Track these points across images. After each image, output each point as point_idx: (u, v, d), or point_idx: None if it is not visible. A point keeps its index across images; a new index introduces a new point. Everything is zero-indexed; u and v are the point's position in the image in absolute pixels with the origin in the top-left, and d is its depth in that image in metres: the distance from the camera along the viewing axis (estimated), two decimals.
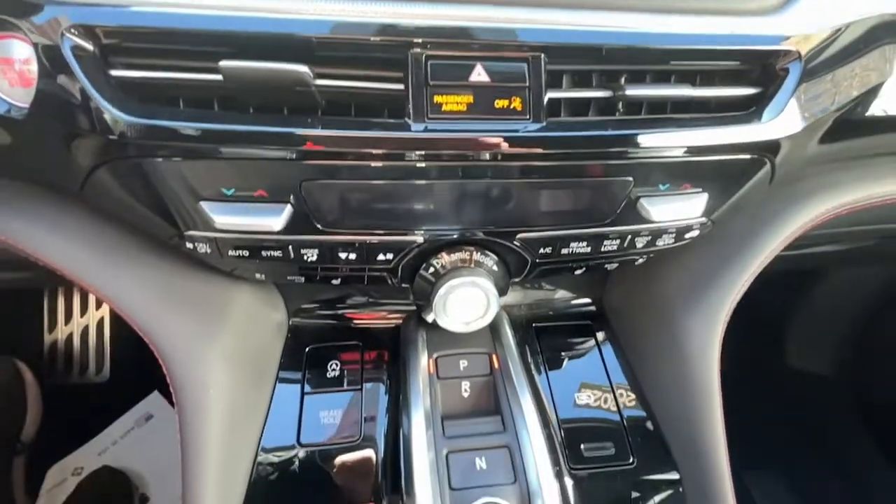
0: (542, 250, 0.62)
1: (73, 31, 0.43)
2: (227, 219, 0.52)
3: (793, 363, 1.50)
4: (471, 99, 0.49)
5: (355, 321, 0.84)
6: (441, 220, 0.57)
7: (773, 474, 1.41)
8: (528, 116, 0.50)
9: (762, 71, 0.54)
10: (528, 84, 0.49)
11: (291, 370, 0.75)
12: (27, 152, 0.52)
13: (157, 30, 0.44)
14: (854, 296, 1.36)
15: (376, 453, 0.68)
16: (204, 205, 0.52)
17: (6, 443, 1.28)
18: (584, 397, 0.75)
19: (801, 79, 0.54)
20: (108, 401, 1.45)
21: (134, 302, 0.59)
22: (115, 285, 0.59)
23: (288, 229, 0.53)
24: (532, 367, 0.77)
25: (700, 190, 0.59)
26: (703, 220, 0.63)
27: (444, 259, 0.63)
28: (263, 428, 0.69)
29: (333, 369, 0.76)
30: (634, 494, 0.67)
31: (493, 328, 0.76)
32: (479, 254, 0.63)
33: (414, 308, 0.82)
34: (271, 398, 0.72)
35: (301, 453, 0.67)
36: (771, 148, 0.57)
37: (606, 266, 0.70)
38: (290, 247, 0.56)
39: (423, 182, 0.53)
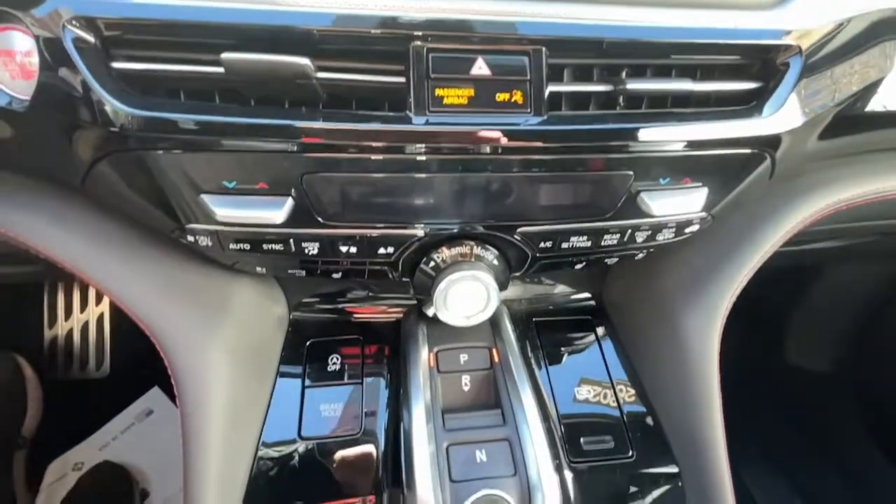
0: (542, 244, 0.62)
1: (74, 22, 0.43)
2: (229, 212, 0.52)
3: (793, 361, 1.50)
4: (472, 92, 0.49)
5: (356, 315, 0.84)
6: (442, 213, 0.57)
7: (773, 472, 1.42)
8: (529, 110, 0.50)
9: (763, 65, 0.54)
10: (529, 77, 0.49)
11: (292, 364, 0.76)
12: (28, 145, 0.52)
13: (159, 22, 0.44)
14: (854, 293, 1.36)
15: (377, 447, 0.68)
16: (205, 197, 0.52)
17: (7, 438, 1.28)
18: (584, 392, 0.75)
19: (802, 74, 0.54)
20: (109, 396, 1.46)
21: (135, 294, 0.59)
22: (116, 278, 0.59)
23: (289, 222, 0.53)
24: (532, 361, 0.78)
25: (700, 184, 0.59)
26: (703, 214, 0.63)
27: (445, 253, 0.63)
28: (264, 421, 0.69)
29: (334, 363, 0.76)
30: (633, 488, 0.67)
31: (494, 322, 0.76)
32: (479, 248, 0.63)
33: (414, 302, 0.82)
34: (272, 391, 0.72)
35: (302, 447, 0.68)
36: (771, 143, 0.57)
37: (606, 261, 0.70)
38: (292, 240, 0.56)
39: (423, 175, 0.53)
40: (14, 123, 0.49)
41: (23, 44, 0.46)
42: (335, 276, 0.66)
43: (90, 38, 0.44)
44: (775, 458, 1.43)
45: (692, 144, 0.55)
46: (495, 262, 0.65)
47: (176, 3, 0.44)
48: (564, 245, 0.62)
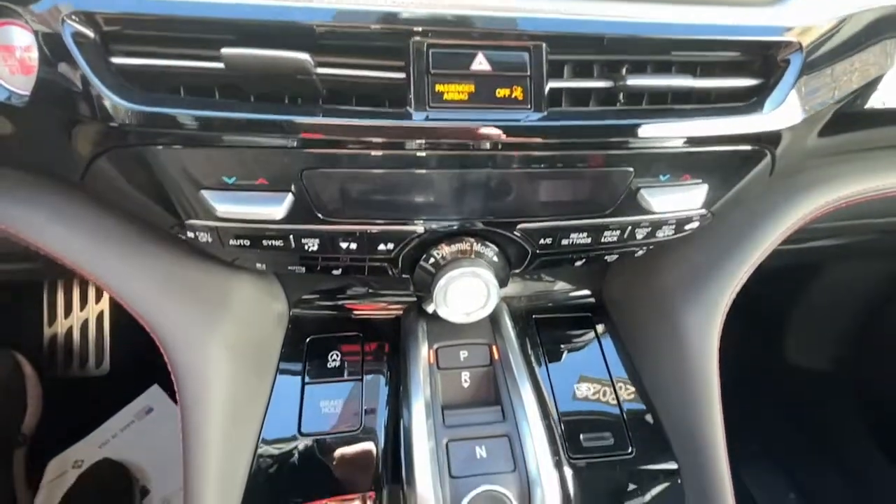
0: (542, 241, 0.62)
1: (73, 17, 0.43)
2: (229, 207, 0.52)
3: (792, 359, 1.50)
4: (472, 88, 0.49)
5: (356, 312, 0.84)
6: (441, 209, 0.57)
7: (772, 469, 1.42)
8: (529, 106, 0.50)
9: (763, 62, 0.54)
10: (529, 73, 0.49)
11: (292, 360, 0.76)
12: (28, 141, 0.52)
13: (159, 17, 0.44)
14: (854, 291, 1.36)
15: (377, 443, 0.68)
16: (205, 193, 0.52)
17: (6, 435, 1.28)
18: (584, 389, 0.75)
19: (802, 70, 0.54)
20: (108, 394, 1.45)
21: (134, 290, 0.59)
22: (115, 274, 0.59)
23: (289, 218, 0.53)
24: (532, 358, 0.78)
25: (700, 181, 0.59)
26: (703, 211, 0.63)
27: (445, 250, 0.63)
28: (264, 417, 0.69)
29: (334, 360, 0.76)
30: (633, 484, 0.67)
31: (494, 319, 0.76)
32: (479, 244, 0.63)
33: (414, 299, 0.82)
34: (272, 387, 0.72)
35: (302, 443, 0.68)
36: (771, 139, 0.57)
37: (606, 258, 0.70)
38: (291, 236, 0.56)
39: (423, 171, 0.53)
40: (13, 119, 0.49)
41: (22, 39, 0.46)
42: (335, 272, 0.66)
43: (89, 33, 0.44)
44: (775, 456, 1.44)
45: (692, 141, 0.55)
46: (495, 258, 0.65)
47: None
48: (564, 242, 0.62)
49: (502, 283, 0.66)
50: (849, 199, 0.70)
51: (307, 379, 0.73)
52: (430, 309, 0.71)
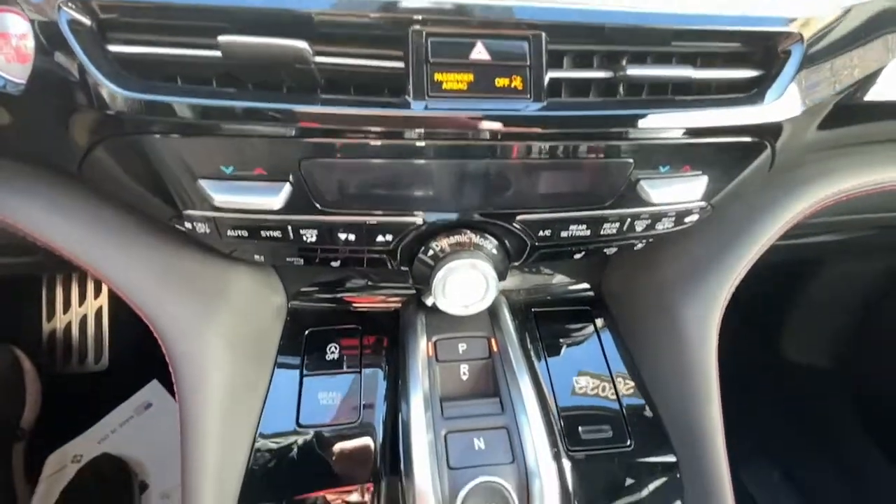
0: (541, 233, 0.62)
1: (69, 5, 0.43)
2: (226, 197, 0.52)
3: (791, 356, 1.50)
4: (471, 77, 0.48)
5: (354, 305, 0.84)
6: (440, 200, 0.57)
7: (770, 466, 1.42)
8: (528, 96, 0.49)
9: (764, 53, 0.54)
10: (528, 63, 0.49)
11: (291, 353, 0.75)
12: (25, 130, 0.52)
13: (155, 4, 0.44)
14: (853, 287, 1.37)
15: (375, 435, 0.68)
16: (203, 182, 0.51)
17: (6, 430, 1.28)
18: (583, 382, 0.75)
19: (803, 62, 0.54)
20: (107, 389, 1.46)
21: (132, 281, 0.59)
22: (113, 265, 0.58)
23: (287, 208, 0.53)
24: (531, 351, 0.78)
25: (700, 173, 0.59)
26: (703, 204, 0.63)
27: (443, 242, 0.63)
28: (263, 408, 0.69)
29: (332, 352, 0.76)
30: (631, 477, 0.67)
31: (492, 312, 0.76)
32: (478, 237, 0.63)
33: (413, 292, 0.82)
34: (271, 379, 0.72)
35: (300, 435, 0.68)
36: (772, 131, 0.57)
37: (605, 250, 0.70)
38: (289, 227, 0.56)
39: (422, 162, 0.53)
40: (10, 108, 0.49)
41: (18, 27, 0.45)
42: (333, 264, 0.66)
43: (86, 21, 0.44)
44: (772, 452, 1.44)
45: (693, 132, 0.55)
46: (494, 250, 0.64)
47: None
48: (563, 233, 0.62)
49: (501, 276, 0.66)
50: (848, 192, 0.70)
51: (306, 371, 0.73)
52: (429, 301, 0.71)
